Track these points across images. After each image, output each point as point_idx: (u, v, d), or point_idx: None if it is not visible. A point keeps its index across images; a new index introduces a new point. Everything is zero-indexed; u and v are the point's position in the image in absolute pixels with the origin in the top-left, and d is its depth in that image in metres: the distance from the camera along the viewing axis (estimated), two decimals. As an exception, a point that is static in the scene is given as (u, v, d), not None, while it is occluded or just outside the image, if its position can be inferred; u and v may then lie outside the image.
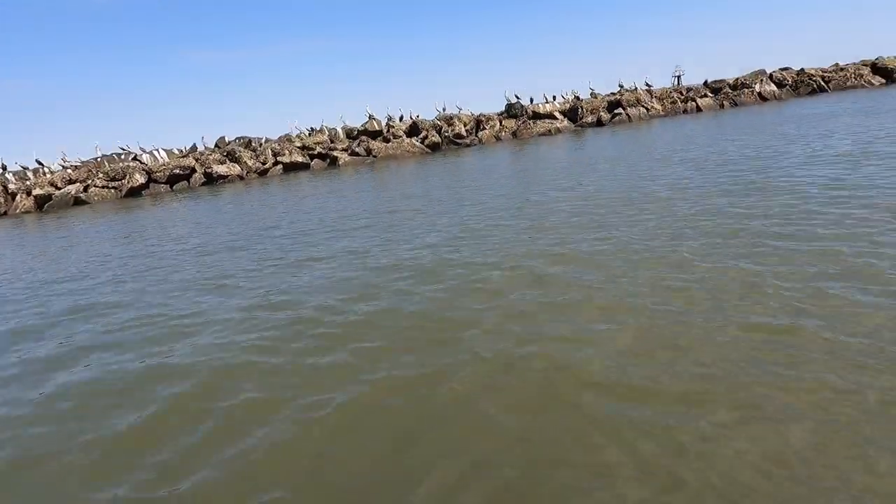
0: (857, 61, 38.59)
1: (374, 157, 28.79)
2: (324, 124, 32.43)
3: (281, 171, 27.93)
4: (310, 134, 32.40)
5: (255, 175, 27.55)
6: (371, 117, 31.37)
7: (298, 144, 29.59)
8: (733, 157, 11.99)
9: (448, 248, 7.11)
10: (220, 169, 26.62)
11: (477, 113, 32.88)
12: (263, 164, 28.00)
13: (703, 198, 8.06)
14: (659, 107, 33.37)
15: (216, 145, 31.23)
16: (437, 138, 29.57)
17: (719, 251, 5.43)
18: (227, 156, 28.14)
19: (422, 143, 29.58)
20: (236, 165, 27.26)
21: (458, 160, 22.91)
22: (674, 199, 8.25)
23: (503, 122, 32.16)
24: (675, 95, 34.79)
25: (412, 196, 13.16)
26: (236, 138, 31.41)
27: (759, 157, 11.48)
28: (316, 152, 28.95)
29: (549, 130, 30.63)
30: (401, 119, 32.27)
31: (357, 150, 28.99)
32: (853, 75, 36.45)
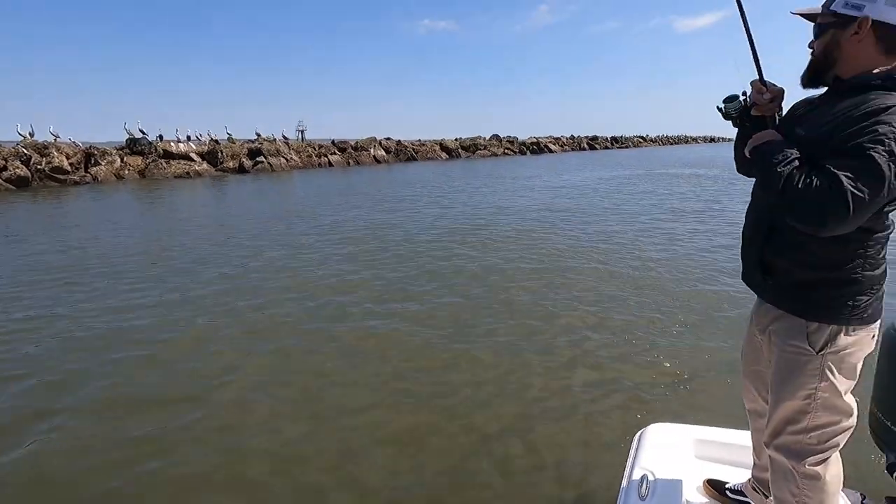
0: (431, 139, 52.33)
1: None
2: None
3: None
4: None
5: None
6: None
7: None
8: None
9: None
10: None
11: (86, 145, 26.52)
12: None
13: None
14: (297, 158, 35.62)
15: None
16: (24, 171, 22.11)
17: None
18: None
19: (-3, 176, 21.49)
20: None
21: (59, 206, 17.19)
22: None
23: (125, 159, 27.10)
24: (311, 150, 38.01)
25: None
26: None
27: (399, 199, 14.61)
28: None
29: (188, 173, 27.75)
30: (-50, 140, 22.52)
31: None
32: (430, 150, 49.24)
